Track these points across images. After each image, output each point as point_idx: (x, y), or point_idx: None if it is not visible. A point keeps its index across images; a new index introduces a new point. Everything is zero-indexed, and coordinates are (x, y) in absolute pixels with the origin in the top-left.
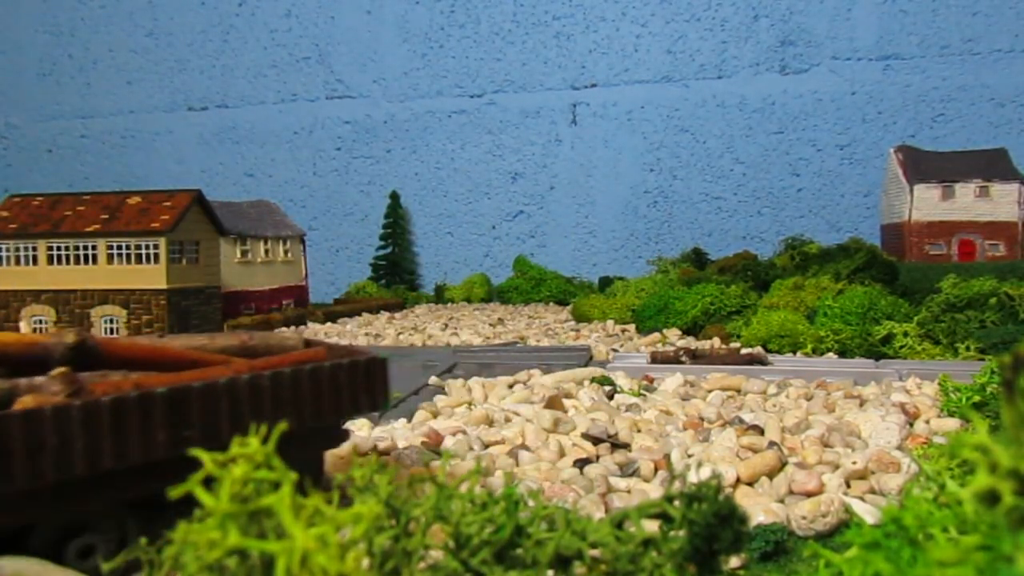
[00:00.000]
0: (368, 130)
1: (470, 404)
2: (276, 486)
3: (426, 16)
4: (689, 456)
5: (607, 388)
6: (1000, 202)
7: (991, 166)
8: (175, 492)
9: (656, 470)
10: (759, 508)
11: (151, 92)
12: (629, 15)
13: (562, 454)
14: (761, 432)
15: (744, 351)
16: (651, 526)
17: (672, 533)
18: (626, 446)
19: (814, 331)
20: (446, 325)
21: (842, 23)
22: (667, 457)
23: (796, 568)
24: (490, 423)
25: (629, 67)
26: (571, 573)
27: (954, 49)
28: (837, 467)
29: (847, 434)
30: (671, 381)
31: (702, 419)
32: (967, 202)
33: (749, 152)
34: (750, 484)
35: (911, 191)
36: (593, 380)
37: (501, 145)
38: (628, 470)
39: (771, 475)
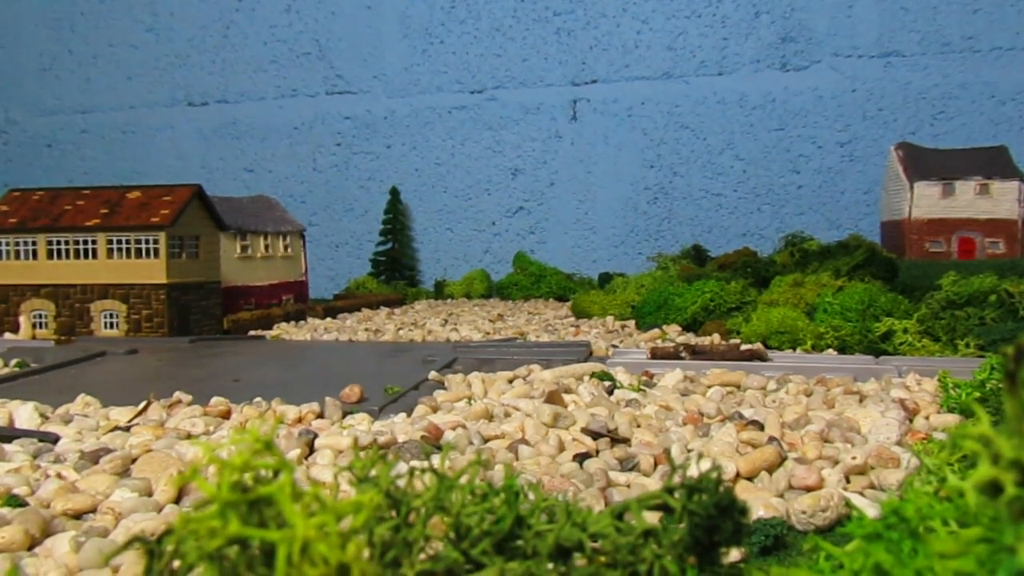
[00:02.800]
0: (368, 125)
1: (470, 399)
2: (276, 474)
3: (426, 12)
4: (689, 451)
5: (607, 383)
6: (1000, 200)
7: (991, 164)
8: (179, 479)
9: (656, 465)
10: (759, 502)
11: (151, 87)
12: (630, 11)
13: (562, 448)
14: (761, 427)
15: (744, 347)
16: (652, 518)
17: (672, 525)
18: (626, 441)
19: (814, 327)
20: (446, 321)
21: (843, 20)
22: (667, 452)
23: (796, 561)
24: (490, 418)
25: (630, 63)
26: (571, 564)
27: (955, 46)
28: (837, 462)
29: (847, 430)
30: (671, 377)
31: (702, 414)
32: (967, 199)
33: (749, 149)
34: (750, 479)
35: (911, 188)
36: (593, 375)
37: (501, 141)
38: (628, 465)
39: (771, 470)
